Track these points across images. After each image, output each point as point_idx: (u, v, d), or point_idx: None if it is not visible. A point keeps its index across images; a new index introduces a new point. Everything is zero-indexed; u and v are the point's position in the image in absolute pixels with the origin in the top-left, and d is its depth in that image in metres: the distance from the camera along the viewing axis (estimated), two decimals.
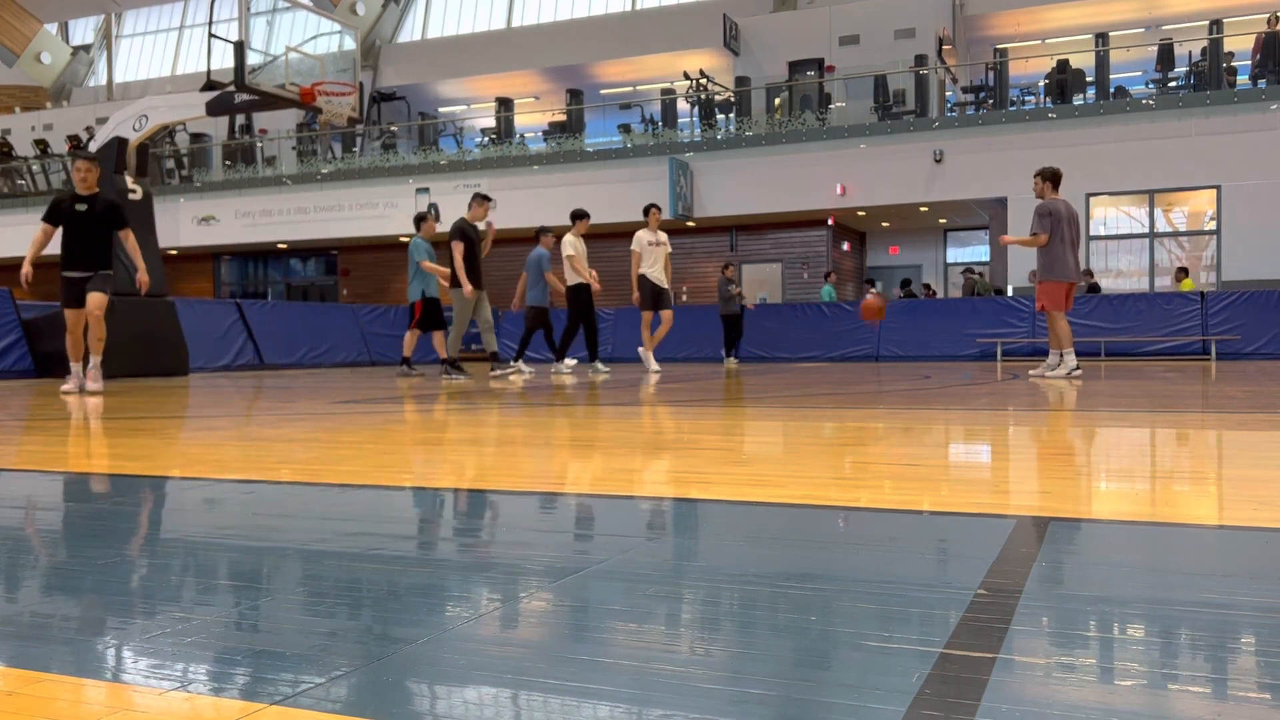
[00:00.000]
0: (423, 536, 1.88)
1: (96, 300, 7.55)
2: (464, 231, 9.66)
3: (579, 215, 11.06)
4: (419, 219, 11.00)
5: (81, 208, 7.63)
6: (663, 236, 11.20)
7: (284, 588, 1.46)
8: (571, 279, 10.87)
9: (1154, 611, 1.28)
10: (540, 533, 1.90)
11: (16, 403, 6.46)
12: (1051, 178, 8.87)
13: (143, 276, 7.88)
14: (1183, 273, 17.38)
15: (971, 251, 24.81)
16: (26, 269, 7.49)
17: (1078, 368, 8.71)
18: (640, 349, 11.42)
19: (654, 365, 11.37)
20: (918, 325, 15.79)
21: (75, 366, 7.69)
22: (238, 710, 0.95)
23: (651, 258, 11.05)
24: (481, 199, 10.00)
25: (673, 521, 1.99)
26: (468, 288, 9.55)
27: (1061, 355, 8.71)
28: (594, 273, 11.05)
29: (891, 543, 1.73)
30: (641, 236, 11.05)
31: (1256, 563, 1.56)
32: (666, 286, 11.20)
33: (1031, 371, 9.15)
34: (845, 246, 22.67)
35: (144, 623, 1.27)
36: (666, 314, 11.13)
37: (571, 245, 10.91)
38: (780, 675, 1.03)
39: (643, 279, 11.03)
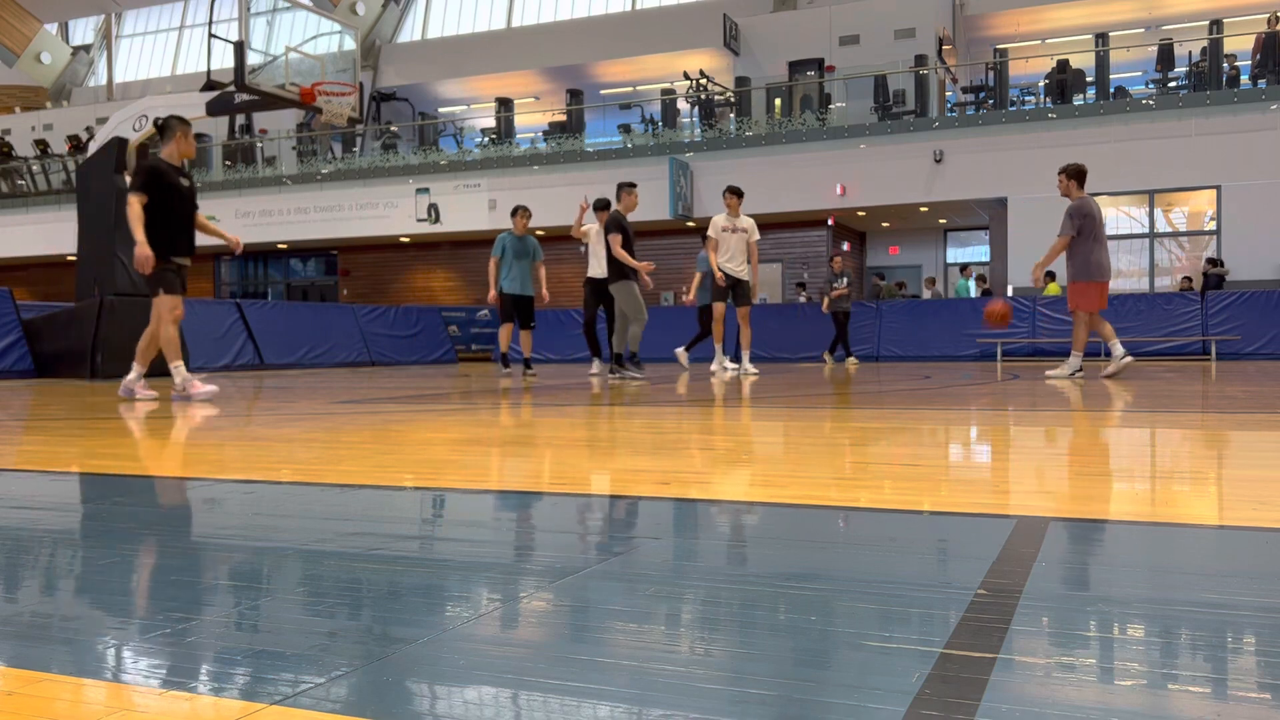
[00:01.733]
0: (422, 536, 1.88)
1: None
2: (620, 223, 9.36)
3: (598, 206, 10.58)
4: (512, 212, 10.70)
5: (185, 182, 6.63)
6: (745, 223, 10.20)
7: (284, 588, 1.46)
8: (593, 271, 10.57)
9: (1154, 611, 1.28)
10: (540, 533, 1.90)
11: (51, 403, 6.46)
12: (1076, 175, 8.60)
13: (236, 237, 7.08)
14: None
15: (971, 251, 24.81)
16: (148, 250, 6.33)
17: (1080, 370, 8.62)
18: (716, 349, 10.50)
19: (729, 365, 10.44)
20: (918, 325, 15.79)
21: (179, 365, 6.63)
22: (238, 710, 0.95)
23: (727, 247, 10.12)
24: (630, 188, 9.59)
25: (673, 521, 1.99)
26: (645, 273, 9.34)
27: (1071, 356, 8.60)
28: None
29: (891, 543, 1.73)
30: (718, 222, 10.20)
31: (1256, 563, 1.56)
32: (745, 278, 10.20)
33: (1049, 373, 9.00)
34: (845, 246, 22.67)
35: (144, 623, 1.27)
36: (741, 310, 10.26)
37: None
38: (780, 675, 1.03)
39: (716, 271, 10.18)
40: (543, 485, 2.49)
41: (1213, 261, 16.72)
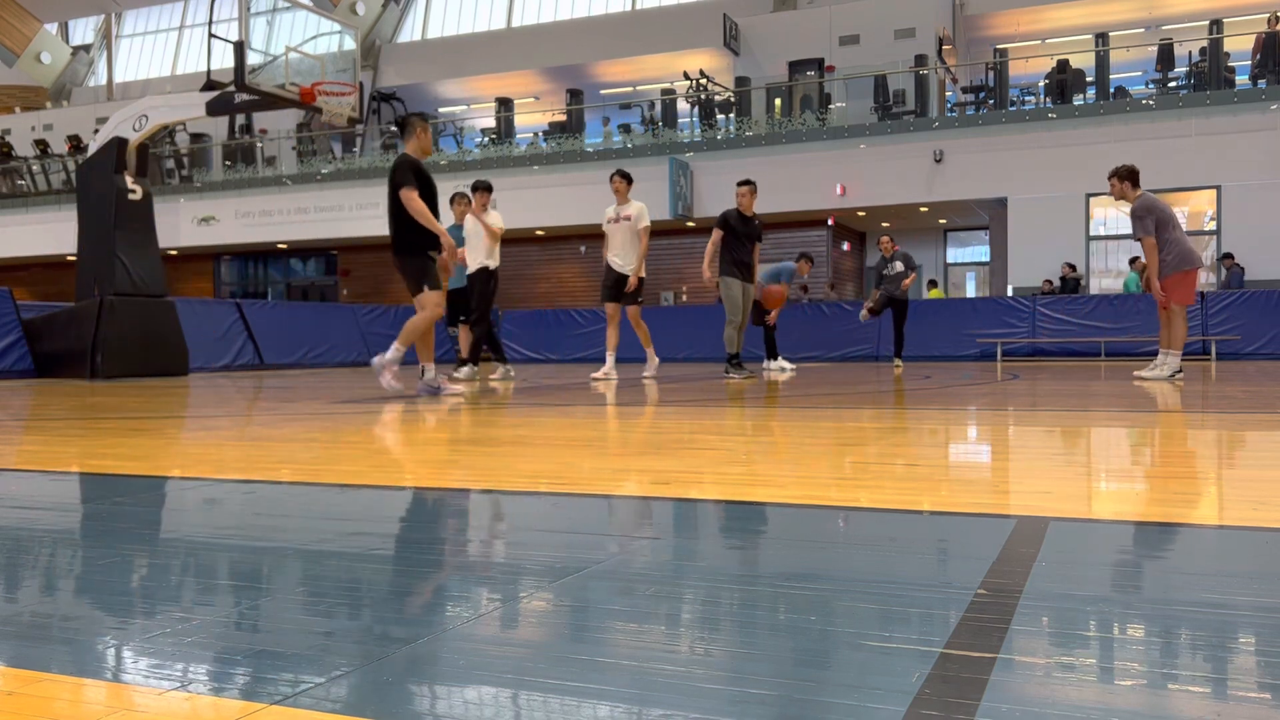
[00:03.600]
0: (422, 536, 1.88)
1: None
2: (727, 220, 9.20)
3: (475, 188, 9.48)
4: (450, 200, 9.99)
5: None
6: (631, 209, 9.05)
7: (284, 588, 1.46)
8: (472, 263, 9.47)
9: (1154, 611, 1.28)
10: (540, 533, 1.90)
11: (51, 403, 6.46)
12: (1129, 176, 8.34)
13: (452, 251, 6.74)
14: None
15: (971, 251, 24.81)
16: (451, 239, 6.47)
17: (1180, 370, 8.08)
18: (609, 356, 9.26)
19: (606, 370, 9.12)
20: (918, 325, 15.77)
21: (431, 366, 6.79)
22: (238, 710, 0.95)
23: (612, 238, 9.15)
24: (746, 185, 9.33)
25: (672, 521, 1.99)
26: (706, 273, 9.38)
27: (1167, 355, 8.10)
28: (464, 255, 9.45)
29: (891, 543, 1.73)
30: (606, 213, 9.29)
31: (1256, 563, 1.56)
32: (626, 271, 9.05)
33: (1137, 373, 8.44)
34: (845, 246, 22.67)
35: (144, 623, 1.27)
36: (616, 309, 9.21)
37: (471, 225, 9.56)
38: (780, 675, 1.03)
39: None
40: (542, 485, 2.49)
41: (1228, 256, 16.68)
